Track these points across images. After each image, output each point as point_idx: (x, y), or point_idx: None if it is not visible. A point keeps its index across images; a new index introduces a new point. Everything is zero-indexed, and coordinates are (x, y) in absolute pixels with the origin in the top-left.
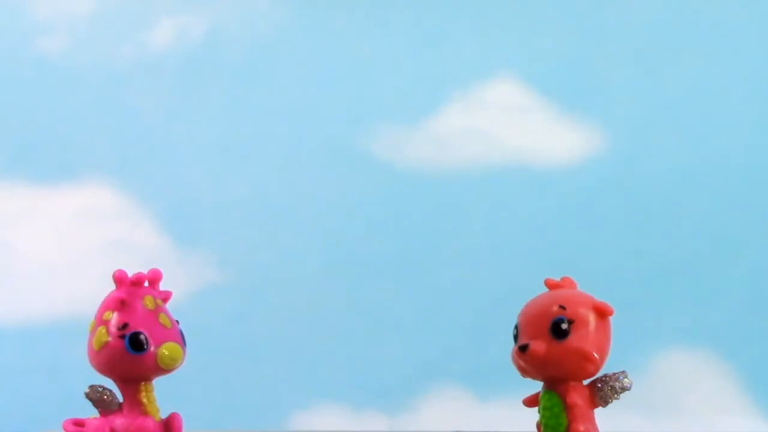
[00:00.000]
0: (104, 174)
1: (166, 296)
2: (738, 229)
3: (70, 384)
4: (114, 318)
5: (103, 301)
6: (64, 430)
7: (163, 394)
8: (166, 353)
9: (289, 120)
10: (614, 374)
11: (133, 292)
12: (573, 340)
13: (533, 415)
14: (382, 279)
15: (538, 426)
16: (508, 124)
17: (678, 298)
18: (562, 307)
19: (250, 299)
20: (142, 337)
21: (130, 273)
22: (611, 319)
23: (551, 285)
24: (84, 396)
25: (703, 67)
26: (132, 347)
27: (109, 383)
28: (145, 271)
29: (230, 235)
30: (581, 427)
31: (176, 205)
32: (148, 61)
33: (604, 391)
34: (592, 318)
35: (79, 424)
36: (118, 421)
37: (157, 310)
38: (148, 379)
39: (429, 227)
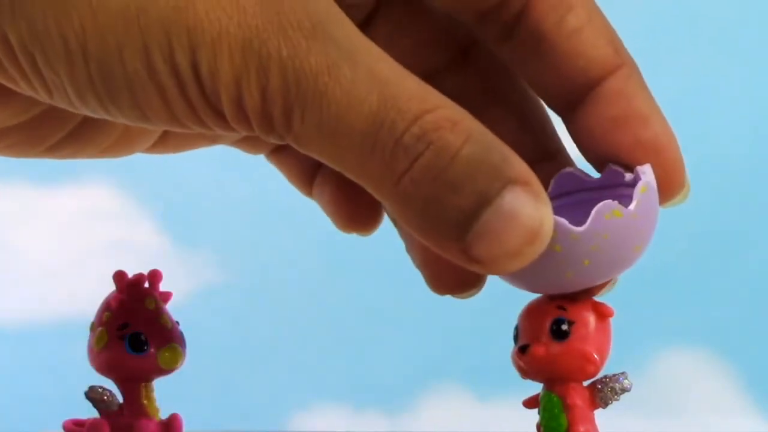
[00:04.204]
0: (104, 174)
1: (166, 297)
2: (738, 229)
3: (70, 384)
4: (114, 318)
5: (103, 302)
6: (64, 430)
7: (163, 394)
8: (167, 354)
9: None
10: (614, 375)
11: (134, 292)
12: (573, 342)
13: (533, 415)
14: (383, 279)
15: (538, 427)
16: None
17: (678, 298)
18: (562, 308)
19: (250, 299)
20: (142, 337)
21: (130, 273)
22: (611, 319)
23: None
24: (84, 396)
25: (702, 66)
26: (132, 348)
27: (109, 383)
28: (145, 271)
29: (230, 235)
30: (581, 429)
31: (176, 205)
32: None
33: (604, 393)
34: (592, 319)
35: (79, 424)
36: (118, 421)
37: (158, 311)
38: (148, 379)
39: None
